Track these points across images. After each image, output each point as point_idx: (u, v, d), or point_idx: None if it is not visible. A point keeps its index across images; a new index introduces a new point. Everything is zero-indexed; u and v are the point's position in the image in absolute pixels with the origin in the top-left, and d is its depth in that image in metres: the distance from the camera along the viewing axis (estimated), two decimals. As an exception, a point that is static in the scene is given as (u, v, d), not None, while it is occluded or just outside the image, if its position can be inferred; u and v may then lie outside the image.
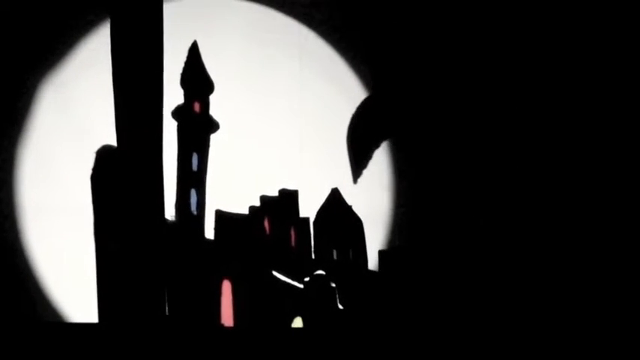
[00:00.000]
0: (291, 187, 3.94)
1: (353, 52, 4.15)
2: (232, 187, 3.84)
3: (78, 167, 3.79)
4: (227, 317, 3.77)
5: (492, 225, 4.23)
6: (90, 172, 3.73)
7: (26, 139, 3.89)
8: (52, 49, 3.89)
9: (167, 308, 3.65)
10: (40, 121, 3.89)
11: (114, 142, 3.61)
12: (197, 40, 3.83)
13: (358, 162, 4.10)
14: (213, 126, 3.80)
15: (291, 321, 3.82)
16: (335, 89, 4.12)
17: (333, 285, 3.86)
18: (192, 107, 3.76)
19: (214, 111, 3.84)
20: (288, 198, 3.89)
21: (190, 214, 3.72)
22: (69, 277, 3.84)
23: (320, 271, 3.86)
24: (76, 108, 3.89)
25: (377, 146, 4.17)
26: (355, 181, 4.09)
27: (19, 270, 3.83)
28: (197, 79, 3.78)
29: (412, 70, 4.21)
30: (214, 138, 3.83)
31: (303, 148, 4.03)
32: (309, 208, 3.97)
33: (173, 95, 3.77)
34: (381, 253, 4.01)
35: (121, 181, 3.54)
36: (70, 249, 3.83)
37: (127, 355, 3.58)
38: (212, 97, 3.83)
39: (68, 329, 3.72)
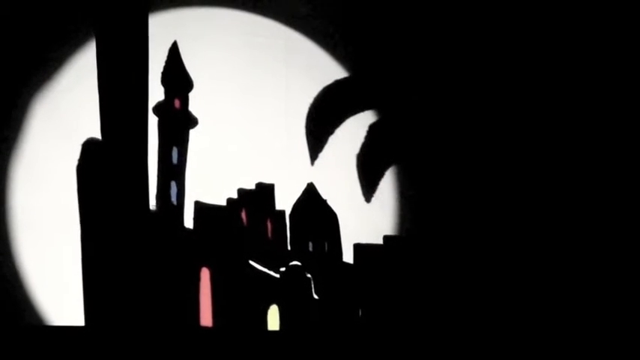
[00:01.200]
0: (281, 184, 4.14)
1: (340, 52, 4.29)
2: (219, 182, 4.02)
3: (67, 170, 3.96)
4: (205, 303, 3.93)
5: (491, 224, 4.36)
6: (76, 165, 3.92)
7: (17, 146, 4.05)
8: (40, 57, 4.05)
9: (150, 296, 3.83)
10: (30, 127, 4.04)
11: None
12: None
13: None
14: (192, 121, 3.99)
15: (267, 308, 3.99)
16: (321, 89, 4.27)
17: (309, 275, 4.04)
18: (172, 104, 3.96)
19: (201, 110, 4.03)
20: (265, 191, 4.06)
21: (171, 205, 3.90)
22: (58, 279, 3.97)
23: (296, 262, 4.04)
24: (65, 111, 4.05)
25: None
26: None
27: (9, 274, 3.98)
28: (177, 77, 3.96)
29: (402, 67, 4.36)
30: (201, 136, 4.02)
31: (290, 144, 4.20)
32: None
33: (157, 92, 3.97)
34: (356, 246, 4.19)
35: (106, 174, 3.74)
36: (58, 253, 3.94)
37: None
38: (200, 97, 4.03)
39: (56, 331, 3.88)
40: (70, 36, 4.03)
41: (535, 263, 4.35)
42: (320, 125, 4.25)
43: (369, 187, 4.28)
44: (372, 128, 4.35)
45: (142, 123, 3.76)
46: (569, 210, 4.41)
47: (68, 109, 3.94)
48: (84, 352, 3.80)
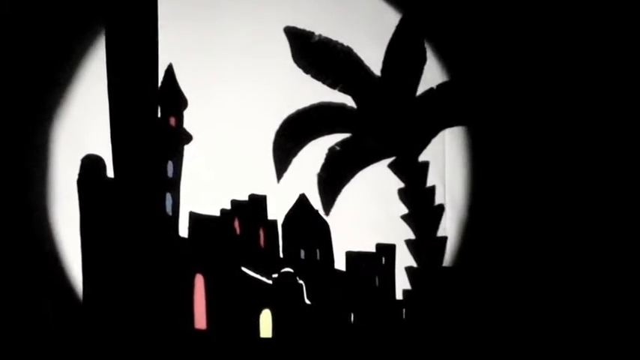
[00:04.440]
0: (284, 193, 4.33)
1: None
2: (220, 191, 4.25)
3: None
4: (199, 308, 4.15)
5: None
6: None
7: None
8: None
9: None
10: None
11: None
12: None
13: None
14: (187, 138, 4.25)
15: (259, 313, 4.20)
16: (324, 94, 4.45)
17: (301, 281, 4.24)
18: (168, 121, 4.22)
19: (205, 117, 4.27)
20: (257, 202, 4.27)
21: (166, 215, 4.15)
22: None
23: (288, 269, 4.25)
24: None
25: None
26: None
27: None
28: (172, 98, 4.23)
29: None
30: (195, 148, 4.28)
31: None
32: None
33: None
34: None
35: (116, 183, 4.02)
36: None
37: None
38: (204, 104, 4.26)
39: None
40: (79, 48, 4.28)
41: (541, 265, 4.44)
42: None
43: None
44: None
45: (151, 131, 4.02)
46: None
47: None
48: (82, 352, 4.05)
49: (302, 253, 4.28)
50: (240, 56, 4.33)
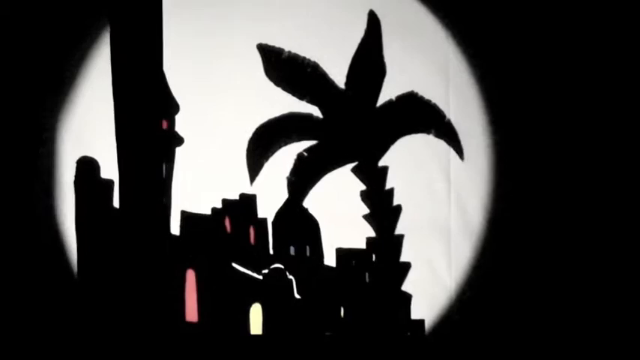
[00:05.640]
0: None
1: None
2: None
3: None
4: (190, 302, 4.43)
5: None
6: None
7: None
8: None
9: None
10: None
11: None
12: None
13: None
14: (179, 140, 4.55)
15: (249, 306, 4.48)
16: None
17: (291, 277, 4.53)
18: (160, 125, 4.51)
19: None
20: (247, 201, 4.59)
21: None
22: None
23: (278, 265, 4.54)
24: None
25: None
26: None
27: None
28: (165, 102, 4.52)
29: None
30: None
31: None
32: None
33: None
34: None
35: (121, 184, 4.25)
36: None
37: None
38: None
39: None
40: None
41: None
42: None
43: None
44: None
45: (156, 128, 4.29)
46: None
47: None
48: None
49: (292, 250, 4.59)
50: (241, 59, 4.67)
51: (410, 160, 4.81)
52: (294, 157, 4.87)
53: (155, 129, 4.31)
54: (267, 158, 4.79)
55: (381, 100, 4.92)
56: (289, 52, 4.84)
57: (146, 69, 4.30)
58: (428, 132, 4.88)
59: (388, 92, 4.87)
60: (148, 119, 4.30)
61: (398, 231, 4.79)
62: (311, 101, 4.89)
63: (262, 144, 4.80)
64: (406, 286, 4.71)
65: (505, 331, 4.60)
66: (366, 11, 4.82)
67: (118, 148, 4.29)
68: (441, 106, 4.86)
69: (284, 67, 4.84)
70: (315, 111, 4.89)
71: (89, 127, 4.47)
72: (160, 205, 4.27)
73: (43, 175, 4.45)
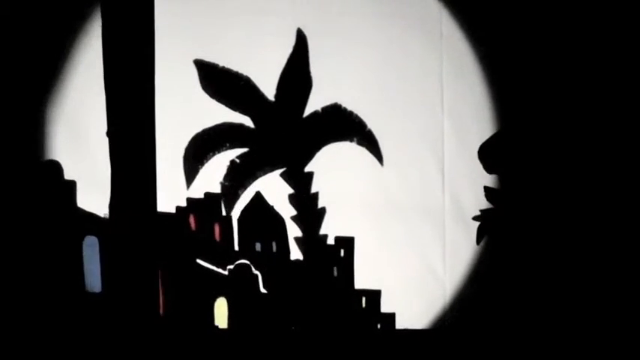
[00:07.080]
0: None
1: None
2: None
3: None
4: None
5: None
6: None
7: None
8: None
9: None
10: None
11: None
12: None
13: None
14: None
15: (214, 301, 4.66)
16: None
17: (256, 272, 4.73)
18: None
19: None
20: (212, 199, 4.81)
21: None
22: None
23: (243, 260, 4.74)
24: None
25: None
26: None
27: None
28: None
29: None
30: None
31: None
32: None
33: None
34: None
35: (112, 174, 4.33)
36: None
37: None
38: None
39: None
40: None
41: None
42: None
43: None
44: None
45: (149, 118, 4.40)
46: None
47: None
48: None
49: (258, 246, 4.77)
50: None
51: (404, 151, 5.04)
52: (227, 163, 5.16)
53: (147, 121, 4.43)
54: (203, 165, 5.07)
55: (308, 111, 5.33)
56: (223, 66, 5.17)
57: (138, 52, 4.33)
58: (350, 140, 5.33)
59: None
60: (141, 106, 4.37)
61: (392, 222, 5.10)
62: (243, 112, 5.22)
63: (197, 152, 5.08)
64: (400, 279, 5.00)
65: (499, 324, 4.72)
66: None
67: (110, 144, 4.40)
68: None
69: (218, 81, 5.15)
70: (246, 121, 5.20)
71: (81, 120, 4.56)
72: (153, 200, 4.40)
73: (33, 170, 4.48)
